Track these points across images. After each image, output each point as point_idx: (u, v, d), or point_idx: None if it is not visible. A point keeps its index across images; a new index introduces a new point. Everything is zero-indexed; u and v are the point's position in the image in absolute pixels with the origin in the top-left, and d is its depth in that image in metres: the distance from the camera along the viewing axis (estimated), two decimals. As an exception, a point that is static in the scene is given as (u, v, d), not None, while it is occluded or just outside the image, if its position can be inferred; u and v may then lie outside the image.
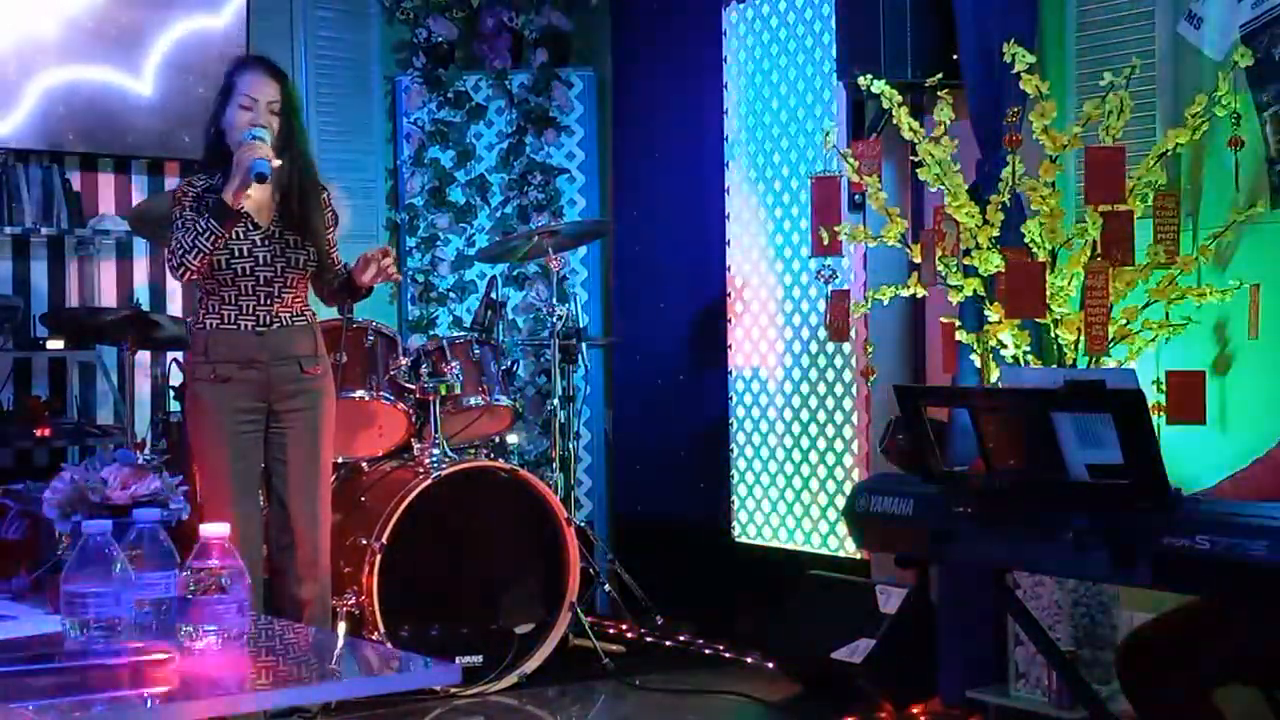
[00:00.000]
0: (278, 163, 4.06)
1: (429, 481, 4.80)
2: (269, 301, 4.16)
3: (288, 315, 4.19)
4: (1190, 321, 4.16)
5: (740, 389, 5.76)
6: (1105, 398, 2.66)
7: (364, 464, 5.20)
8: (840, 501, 5.17)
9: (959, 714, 4.50)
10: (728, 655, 5.43)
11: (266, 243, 4.14)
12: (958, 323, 4.45)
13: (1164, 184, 4.16)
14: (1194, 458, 3.99)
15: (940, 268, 4.34)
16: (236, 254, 4.11)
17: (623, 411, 6.42)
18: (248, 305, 4.15)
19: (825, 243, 4.45)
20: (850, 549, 5.21)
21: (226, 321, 4.14)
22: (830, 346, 5.36)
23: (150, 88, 5.93)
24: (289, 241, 4.17)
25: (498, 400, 5.29)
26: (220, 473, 4.11)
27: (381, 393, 5.04)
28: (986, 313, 4.32)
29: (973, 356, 4.39)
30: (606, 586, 5.62)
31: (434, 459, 4.98)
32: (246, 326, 4.15)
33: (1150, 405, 3.24)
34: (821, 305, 5.17)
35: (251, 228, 4.13)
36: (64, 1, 5.76)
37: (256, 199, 4.12)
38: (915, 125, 4.38)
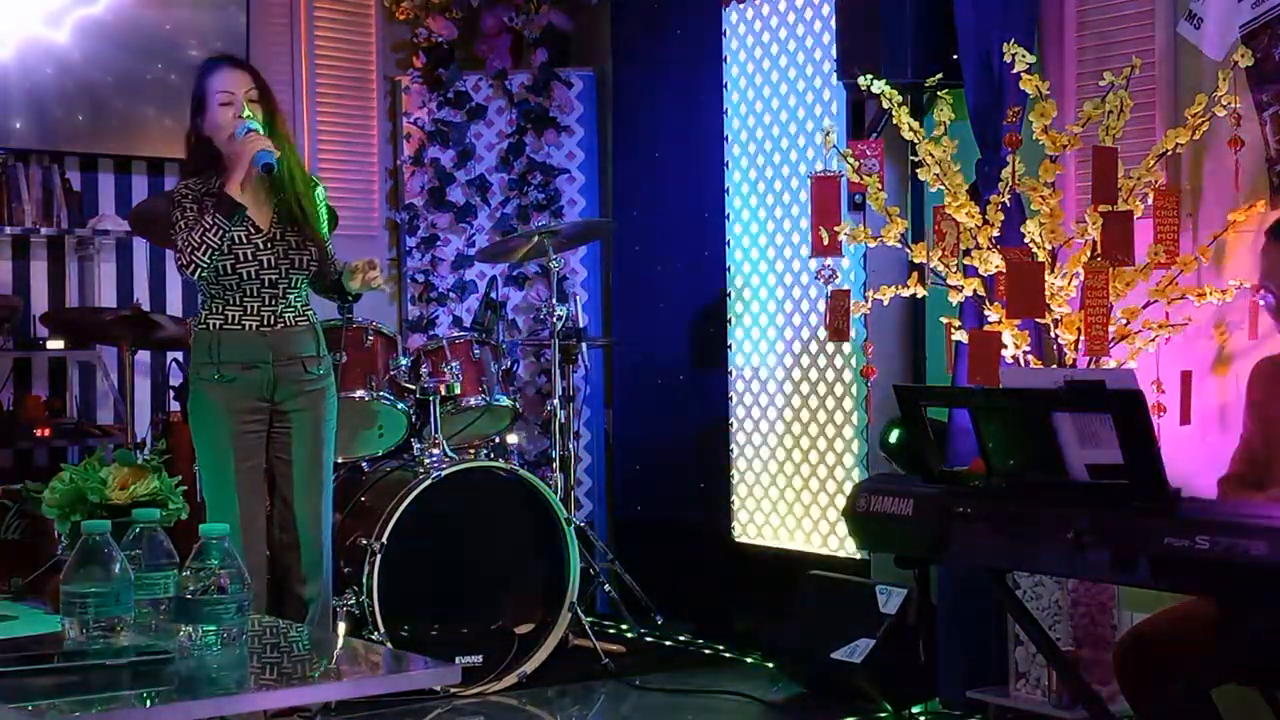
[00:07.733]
0: (279, 153, 4.07)
1: (429, 481, 4.80)
2: (273, 302, 4.16)
3: (291, 315, 4.19)
4: (1190, 321, 4.16)
5: (740, 389, 5.75)
6: (1105, 398, 2.66)
7: (364, 464, 5.20)
8: (840, 501, 5.17)
9: (959, 714, 4.51)
10: (728, 655, 5.43)
11: (269, 245, 4.14)
12: (957, 323, 4.45)
13: (1164, 184, 4.16)
14: (1194, 458, 3.99)
15: (940, 268, 4.34)
16: (241, 258, 4.11)
17: (623, 411, 6.41)
18: (252, 306, 4.14)
19: (825, 243, 4.45)
20: (850, 549, 5.21)
21: (231, 322, 4.14)
22: (830, 346, 5.35)
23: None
24: (291, 242, 4.16)
25: (498, 400, 5.29)
26: (224, 472, 4.11)
27: (381, 393, 5.04)
28: (986, 313, 4.32)
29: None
30: (606, 586, 5.61)
31: (434, 459, 4.98)
32: (251, 327, 4.14)
33: (1150, 405, 3.24)
34: (821, 305, 5.17)
35: (254, 230, 4.13)
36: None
37: (255, 201, 4.12)
38: (915, 125, 4.38)
